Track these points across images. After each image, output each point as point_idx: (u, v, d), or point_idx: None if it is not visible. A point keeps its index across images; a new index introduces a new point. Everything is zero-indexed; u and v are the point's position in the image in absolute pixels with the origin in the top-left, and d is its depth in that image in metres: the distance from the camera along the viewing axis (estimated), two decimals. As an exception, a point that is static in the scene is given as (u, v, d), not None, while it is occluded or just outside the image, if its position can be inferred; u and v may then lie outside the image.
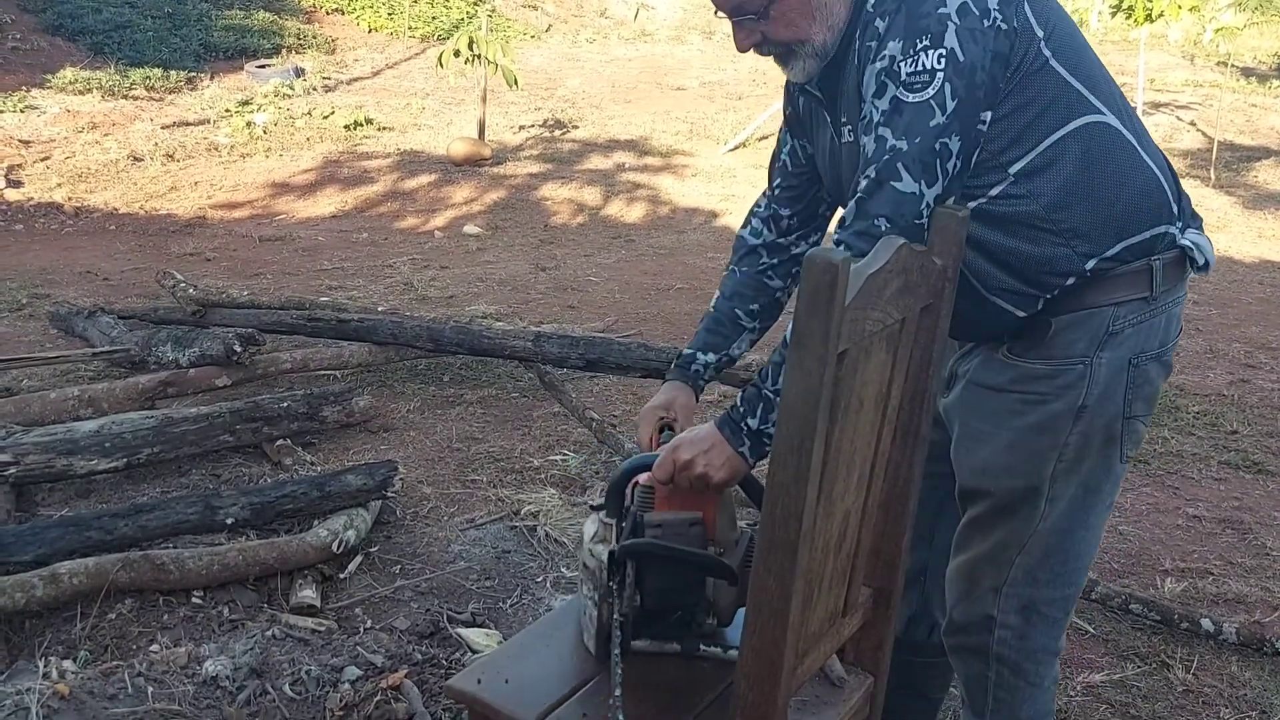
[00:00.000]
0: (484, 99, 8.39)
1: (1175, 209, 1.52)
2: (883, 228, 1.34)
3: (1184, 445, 3.59)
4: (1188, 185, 8.18)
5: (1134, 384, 1.53)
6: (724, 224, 6.86)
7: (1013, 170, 1.43)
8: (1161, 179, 1.50)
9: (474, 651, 2.37)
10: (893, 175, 1.36)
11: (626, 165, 8.34)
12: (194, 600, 2.48)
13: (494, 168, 8.03)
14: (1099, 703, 2.28)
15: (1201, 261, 1.54)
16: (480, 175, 7.82)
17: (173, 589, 2.46)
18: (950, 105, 1.35)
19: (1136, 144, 1.49)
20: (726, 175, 8.13)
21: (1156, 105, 10.59)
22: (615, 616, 1.42)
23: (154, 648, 2.25)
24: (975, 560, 1.59)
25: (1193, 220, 1.57)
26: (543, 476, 3.27)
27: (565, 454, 3.42)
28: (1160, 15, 8.54)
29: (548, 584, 2.68)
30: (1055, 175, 1.44)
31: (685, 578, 1.45)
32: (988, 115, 1.40)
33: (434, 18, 12.64)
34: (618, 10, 14.78)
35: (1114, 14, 9.02)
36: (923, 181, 1.36)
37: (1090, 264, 1.47)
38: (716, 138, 9.22)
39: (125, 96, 9.05)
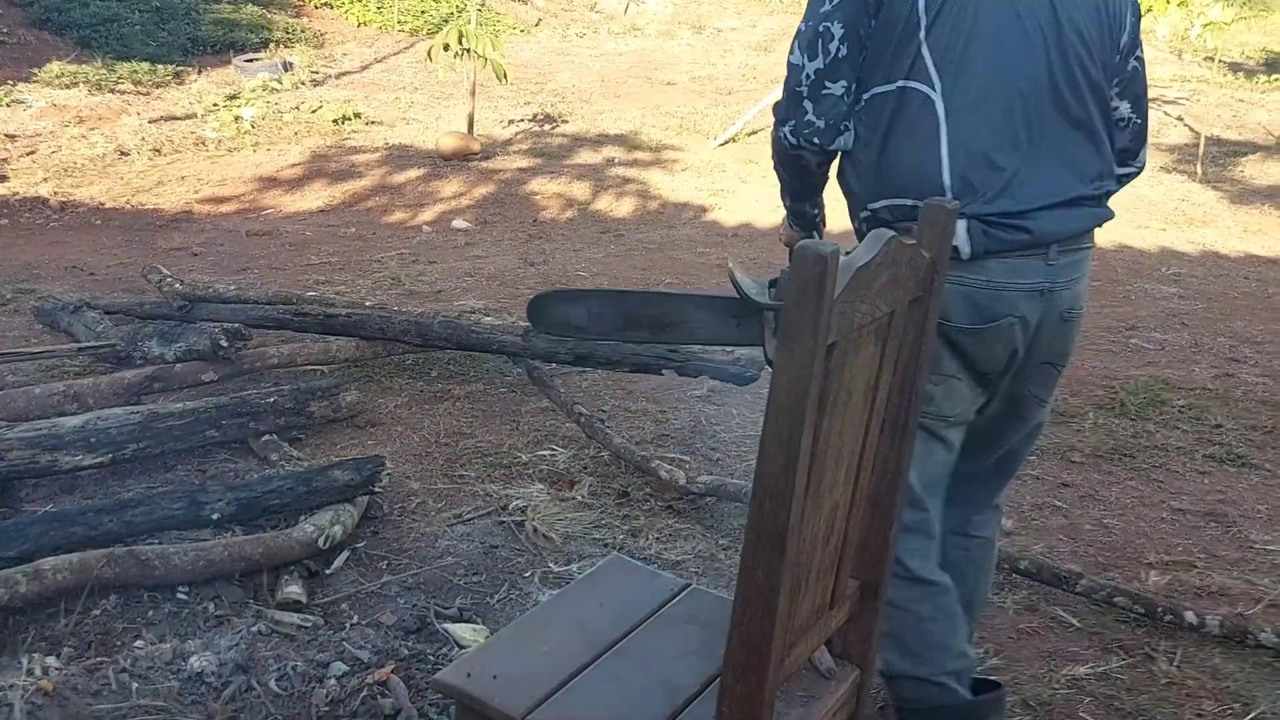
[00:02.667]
0: (473, 93, 8.37)
1: (948, 192, 1.60)
2: (781, 92, 1.69)
3: (1169, 439, 3.61)
4: (1174, 179, 8.17)
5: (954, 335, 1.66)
6: (713, 219, 6.85)
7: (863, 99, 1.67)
8: (945, 161, 1.60)
9: (461, 647, 2.36)
10: (790, 50, 1.68)
11: (616, 160, 8.32)
12: (179, 596, 2.47)
13: (483, 162, 8.01)
14: (1083, 695, 2.29)
15: (964, 250, 1.61)
16: (469, 170, 7.80)
17: (158, 585, 2.44)
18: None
19: (943, 125, 1.60)
20: (716, 170, 8.13)
21: (1144, 101, 10.61)
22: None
23: (139, 644, 2.23)
24: None
25: (983, 205, 1.61)
26: (531, 472, 3.26)
27: (554, 449, 3.41)
28: (1148, 10, 8.55)
29: (535, 579, 2.68)
30: (871, 120, 1.65)
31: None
32: (870, 22, 1.62)
33: (423, 12, 12.60)
34: (608, 5, 14.75)
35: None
36: (805, 55, 1.65)
37: (863, 212, 1.71)
38: (706, 132, 9.21)
39: (112, 90, 8.99)
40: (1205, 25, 11.14)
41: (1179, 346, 4.54)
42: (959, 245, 1.60)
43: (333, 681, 2.17)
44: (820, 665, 1.48)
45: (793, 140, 1.72)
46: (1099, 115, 1.70)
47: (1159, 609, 2.51)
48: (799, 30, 1.68)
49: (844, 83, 1.65)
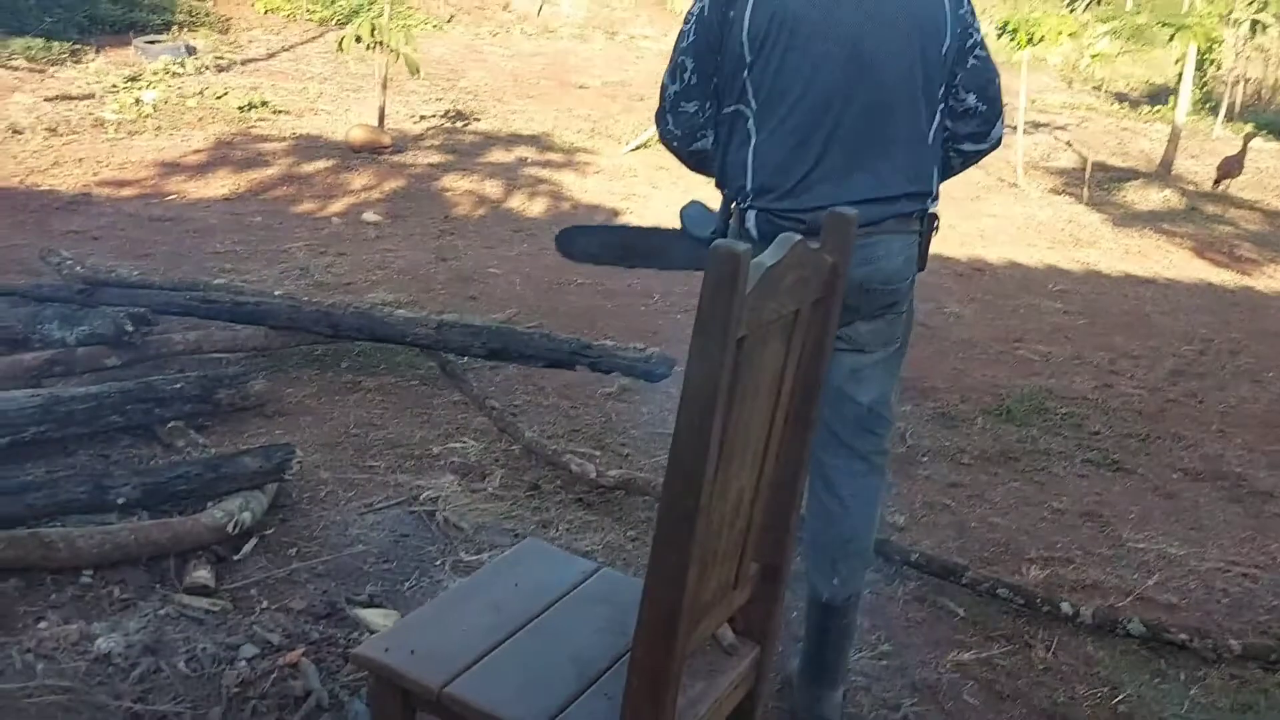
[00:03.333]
0: (384, 86, 8.30)
1: (748, 190, 2.03)
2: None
3: (1051, 444, 3.83)
4: (1062, 201, 8.56)
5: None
6: (624, 222, 6.95)
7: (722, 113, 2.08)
8: (749, 166, 2.02)
9: (372, 632, 2.40)
10: (665, 72, 2.11)
11: (529, 160, 8.36)
12: (83, 579, 2.44)
13: (394, 156, 7.95)
14: (967, 678, 2.44)
15: (752, 232, 2.04)
16: (380, 163, 7.74)
17: (61, 568, 2.42)
18: (690, 38, 2.03)
19: (753, 139, 2.01)
20: (628, 174, 8.23)
21: (1036, 125, 11.10)
22: None
23: (42, 625, 2.21)
24: None
25: (771, 200, 2.02)
26: (442, 463, 3.30)
27: (465, 442, 3.46)
28: (1041, 39, 8.97)
29: (446, 567, 2.73)
30: (720, 131, 2.09)
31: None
32: (715, 58, 2.02)
33: (333, 1, 12.42)
34: (521, 5, 14.74)
35: (999, 35, 9.43)
36: (669, 79, 2.09)
37: (724, 192, 2.12)
38: (618, 137, 9.31)
39: (4, 67, 8.65)
40: (1094, 56, 11.69)
41: (1062, 358, 4.80)
42: (749, 229, 2.05)
43: (243, 663, 2.18)
44: (723, 641, 1.57)
45: (664, 141, 2.20)
46: (919, 120, 2.03)
47: (1038, 600, 2.69)
48: (670, 57, 2.10)
49: (696, 102, 2.08)
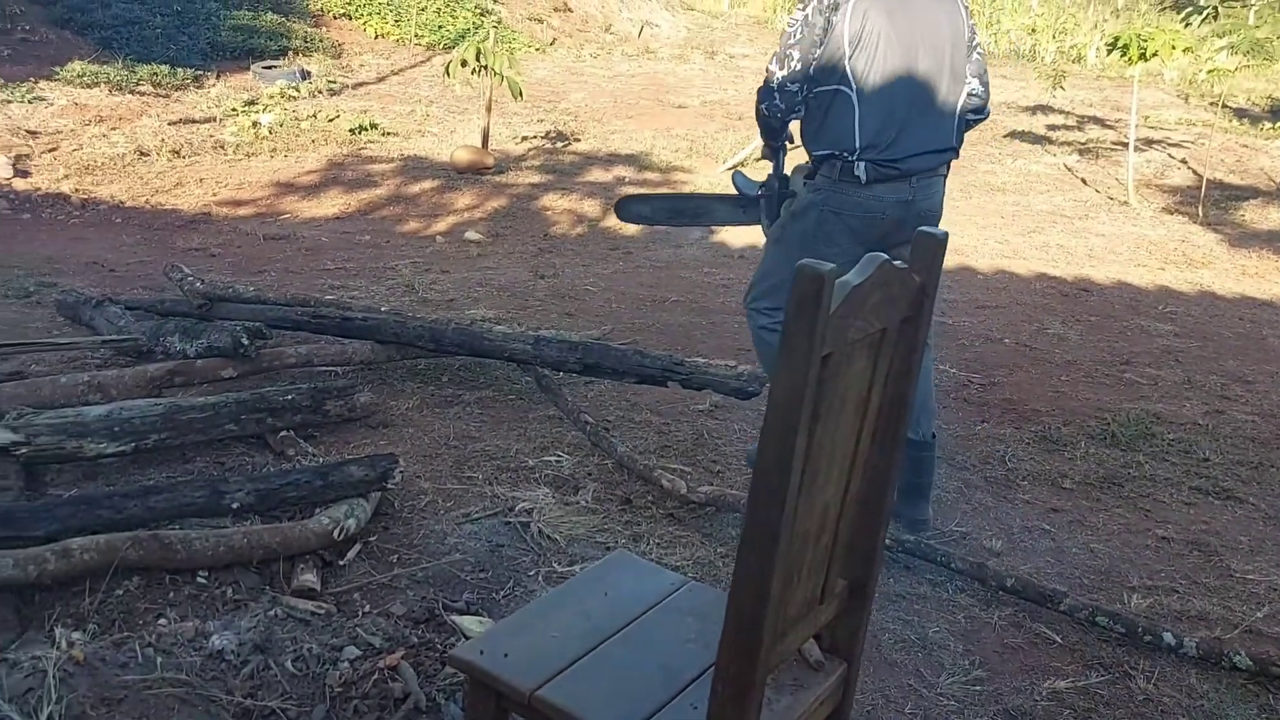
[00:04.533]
0: (488, 109, 8.52)
1: (856, 147, 2.92)
2: (762, 85, 3.00)
3: (1157, 470, 3.71)
4: (1175, 220, 8.29)
5: (822, 221, 3.05)
6: (720, 240, 6.98)
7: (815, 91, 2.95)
8: (855, 131, 2.91)
9: (468, 637, 2.47)
10: (770, 59, 2.95)
11: (626, 179, 8.46)
12: (199, 580, 2.58)
13: (496, 176, 8.15)
14: (1063, 707, 2.39)
15: (862, 178, 2.94)
16: (482, 183, 7.94)
17: (179, 568, 2.56)
18: (797, 37, 2.89)
19: (856, 111, 2.90)
20: (725, 191, 8.26)
21: (1149, 142, 10.76)
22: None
23: (161, 621, 2.34)
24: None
25: (881, 154, 2.92)
26: (537, 476, 3.37)
27: (559, 455, 3.52)
28: (1154, 55, 8.70)
29: (539, 577, 2.79)
30: (814, 103, 2.96)
31: (776, 204, 3.28)
32: (816, 51, 2.88)
33: (440, 26, 12.78)
34: (622, 27, 14.95)
35: (1109, 52, 9.19)
36: (777, 66, 2.93)
37: (814, 153, 3.04)
38: (716, 156, 9.35)
39: (132, 92, 9.16)
40: (1210, 71, 11.30)
41: (1172, 382, 4.65)
42: (859, 175, 2.94)
43: (345, 664, 2.27)
44: (810, 657, 1.59)
45: (766, 114, 3.05)
46: (953, 97, 2.99)
47: (1139, 629, 2.61)
48: (776, 50, 2.95)
49: (797, 84, 2.93)
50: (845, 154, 2.93)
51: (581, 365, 3.57)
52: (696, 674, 1.55)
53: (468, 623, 2.53)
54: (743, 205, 3.52)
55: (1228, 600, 2.89)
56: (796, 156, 3.15)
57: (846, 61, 2.86)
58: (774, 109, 3.00)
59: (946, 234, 1.45)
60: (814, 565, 1.44)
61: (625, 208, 3.72)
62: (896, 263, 1.34)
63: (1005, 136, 10.70)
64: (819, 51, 2.88)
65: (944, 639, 2.61)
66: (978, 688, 2.44)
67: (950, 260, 6.71)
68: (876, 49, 2.85)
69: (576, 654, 1.58)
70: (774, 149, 3.26)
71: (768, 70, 2.96)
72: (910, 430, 2.53)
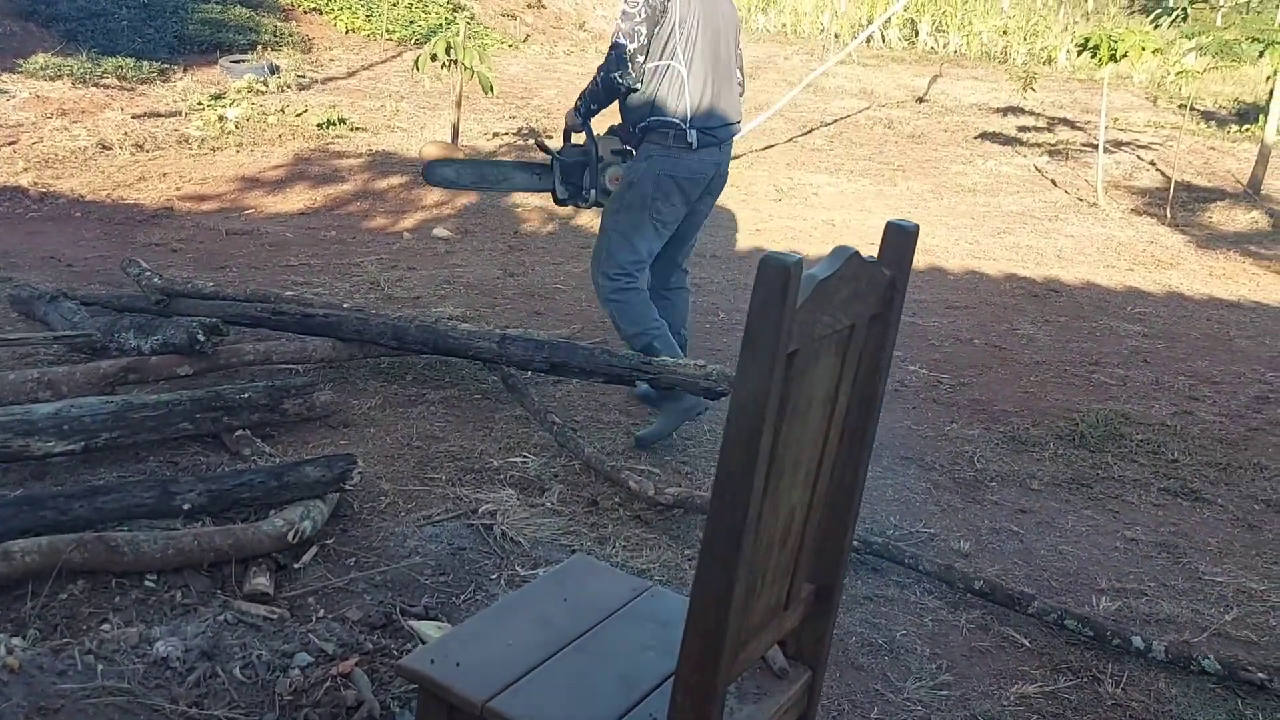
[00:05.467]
0: (459, 104, 8.42)
1: (688, 116, 3.46)
2: (612, 56, 3.41)
3: (1125, 471, 3.70)
4: (1144, 221, 8.31)
5: (659, 184, 3.51)
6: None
7: (645, 67, 3.46)
8: (687, 101, 3.45)
9: (425, 644, 2.40)
10: (616, 36, 3.40)
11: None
12: (147, 583, 2.49)
13: (466, 173, 8.05)
14: (1031, 713, 2.35)
15: (694, 144, 3.48)
16: (452, 180, 7.84)
17: (126, 571, 2.47)
18: (643, 14, 3.36)
19: (687, 86, 3.44)
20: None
21: (1118, 144, 10.83)
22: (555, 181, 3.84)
23: (105, 627, 2.26)
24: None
25: (703, 122, 3.49)
26: (502, 477, 3.31)
27: (525, 456, 3.46)
28: (1124, 56, 8.75)
29: (502, 581, 2.72)
30: (648, 76, 3.45)
31: (575, 171, 3.81)
32: (655, 29, 3.40)
33: (411, 22, 12.65)
34: (596, 24, 14.87)
35: (1080, 53, 9.23)
36: (627, 40, 3.37)
37: (641, 124, 3.54)
38: (688, 154, 9.31)
39: (96, 85, 8.98)
40: (1179, 73, 11.37)
41: (1140, 383, 4.65)
42: (691, 141, 3.47)
43: (296, 672, 2.20)
44: (773, 664, 1.53)
45: (620, 84, 3.44)
46: (737, 78, 3.64)
47: (1108, 633, 2.59)
48: (622, 29, 3.38)
49: (643, 58, 3.41)
50: (679, 122, 3.45)
51: (548, 364, 3.50)
52: (655, 683, 1.50)
53: (426, 628, 2.46)
54: (538, 173, 3.95)
55: (1196, 603, 2.87)
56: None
57: (677, 40, 3.38)
58: (626, 78, 3.41)
59: (917, 226, 1.41)
60: (779, 570, 1.39)
61: (432, 171, 4.08)
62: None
63: (976, 138, 10.73)
64: (657, 29, 3.38)
65: (911, 642, 2.57)
66: (945, 692, 2.40)
67: (921, 260, 6.69)
68: (696, 30, 3.42)
69: (532, 663, 1.52)
70: (586, 118, 3.67)
71: (617, 43, 3.38)
72: (679, 343, 3.81)
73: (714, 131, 3.49)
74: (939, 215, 8.13)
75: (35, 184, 6.75)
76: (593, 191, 3.82)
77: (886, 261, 1.37)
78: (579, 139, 3.84)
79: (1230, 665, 2.49)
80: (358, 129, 8.95)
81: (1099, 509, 3.40)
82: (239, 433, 3.26)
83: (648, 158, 3.52)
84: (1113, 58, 8.79)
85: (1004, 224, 8.00)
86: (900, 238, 1.39)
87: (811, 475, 1.39)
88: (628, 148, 3.75)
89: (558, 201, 3.92)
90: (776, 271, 1.10)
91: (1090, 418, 4.09)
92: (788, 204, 8.17)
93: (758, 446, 1.16)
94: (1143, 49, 8.79)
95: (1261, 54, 9.78)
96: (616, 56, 3.38)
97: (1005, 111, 12.02)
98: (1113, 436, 3.96)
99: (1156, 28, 11.48)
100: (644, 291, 3.67)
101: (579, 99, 3.64)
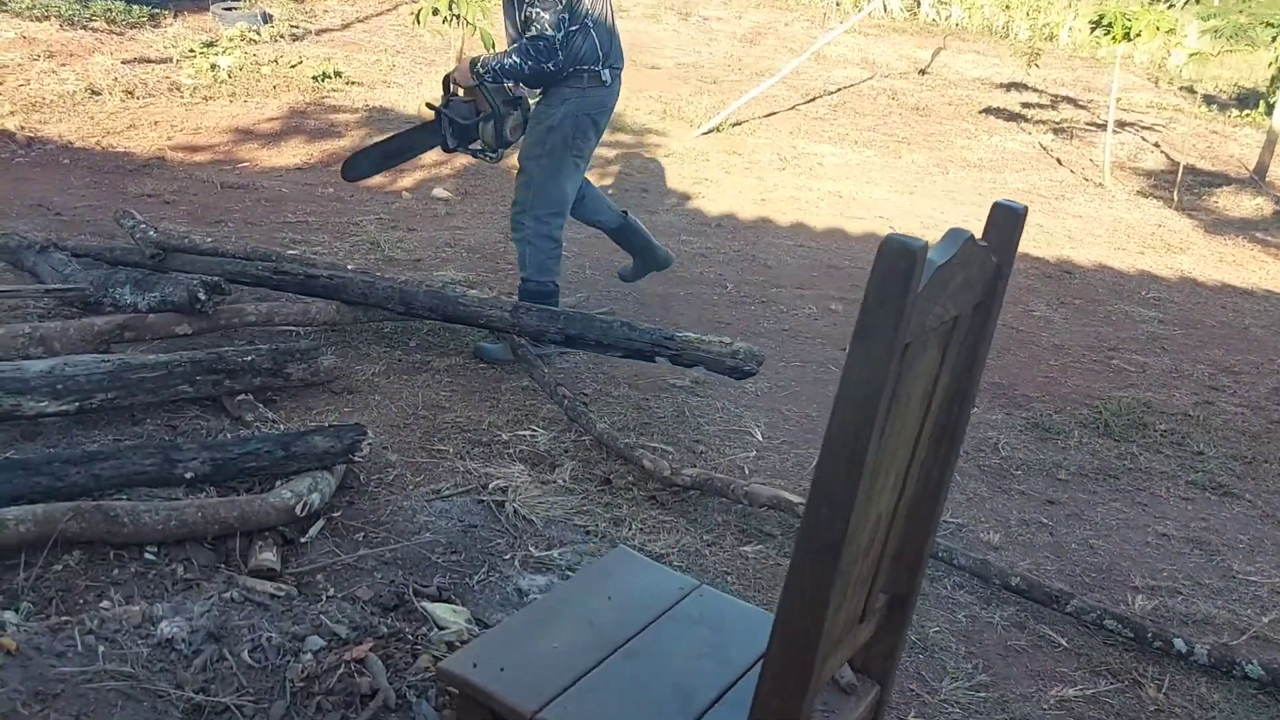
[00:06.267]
0: (459, 60, 8.19)
1: (600, 59, 3.72)
2: (542, 46, 3.59)
3: (1152, 463, 3.61)
4: (1150, 204, 8.24)
5: (578, 124, 3.79)
6: (696, 207, 6.78)
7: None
8: (598, 49, 3.70)
9: (440, 627, 2.29)
10: (543, 25, 3.55)
11: (601, 142, 8.21)
12: (147, 556, 2.36)
13: (465, 132, 7.84)
14: (1072, 717, 2.26)
15: (607, 80, 3.78)
16: (451, 138, 7.63)
17: (125, 543, 2.34)
18: (563, 2, 3.56)
19: (597, 38, 3.68)
20: (700, 158, 8.04)
21: (1122, 124, 10.69)
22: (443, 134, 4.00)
23: (105, 604, 2.13)
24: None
25: (612, 61, 3.79)
26: (511, 451, 3.18)
27: (534, 430, 3.33)
28: (1138, 35, 8.60)
29: (515, 562, 2.61)
30: (567, 43, 3.63)
31: (466, 125, 3.92)
32: (574, 7, 3.61)
33: (409, -26, 12.35)
34: (596, -17, 14.56)
35: (1093, 29, 9.07)
36: (555, 30, 3.56)
37: (562, 76, 3.70)
38: (690, 120, 9.12)
39: (84, 27, 8.70)
40: (1191, 55, 11.23)
41: (1160, 370, 4.56)
42: (605, 79, 3.77)
43: (308, 656, 2.08)
44: (841, 680, 1.42)
45: (552, 73, 3.65)
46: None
47: (1149, 634, 2.50)
48: (546, 20, 3.56)
49: (564, 34, 3.60)
50: (593, 66, 3.72)
51: (563, 336, 3.36)
52: (714, 695, 1.39)
53: (440, 610, 2.34)
54: (431, 129, 4.03)
55: (1231, 603, 2.79)
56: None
57: (587, 5, 3.65)
58: (559, 65, 3.63)
59: (1025, 208, 1.28)
60: (859, 582, 1.28)
61: (351, 169, 4.22)
62: None
63: (981, 112, 10.58)
64: (576, 4, 3.62)
65: (945, 640, 2.47)
66: (982, 694, 2.31)
67: (931, 235, 6.55)
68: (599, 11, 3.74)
69: (580, 669, 1.40)
70: (487, 83, 3.81)
71: (545, 35, 3.56)
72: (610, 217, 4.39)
73: (618, 68, 3.83)
74: (945, 190, 8.00)
75: (22, 128, 6.52)
76: (492, 141, 3.98)
77: (995, 246, 1.25)
78: (463, 93, 3.94)
79: (1274, 671, 2.40)
80: (353, 83, 8.71)
81: (1128, 501, 3.31)
82: (240, 397, 3.12)
83: (563, 101, 3.75)
84: (1126, 36, 8.64)
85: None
86: (1007, 219, 1.26)
87: (901, 478, 1.27)
88: (518, 95, 3.95)
89: (446, 150, 4.06)
90: (899, 255, 0.98)
91: (1113, 406, 4.00)
92: (792, 173, 8.01)
93: (864, 450, 1.04)
94: (1156, 28, 8.65)
95: (1275, 38, 9.66)
96: (546, 48, 3.58)
97: (1009, 87, 11.86)
98: (1137, 426, 3.86)
99: (1170, 8, 11.32)
100: (561, 245, 4.00)
101: (485, 67, 3.74)
